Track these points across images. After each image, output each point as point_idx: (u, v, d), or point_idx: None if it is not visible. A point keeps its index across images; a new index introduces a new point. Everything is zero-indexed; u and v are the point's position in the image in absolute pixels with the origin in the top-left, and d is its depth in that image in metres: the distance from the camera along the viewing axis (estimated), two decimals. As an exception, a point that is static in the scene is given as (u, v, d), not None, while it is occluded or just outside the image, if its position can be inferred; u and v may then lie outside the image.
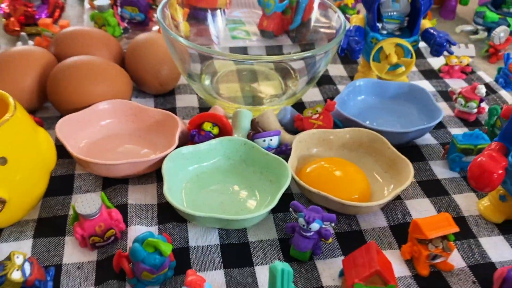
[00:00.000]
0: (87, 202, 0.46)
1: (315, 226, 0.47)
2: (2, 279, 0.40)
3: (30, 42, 0.73)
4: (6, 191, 0.45)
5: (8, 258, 0.42)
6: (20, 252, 0.42)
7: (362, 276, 0.44)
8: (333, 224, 0.48)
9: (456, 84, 0.77)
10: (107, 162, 0.52)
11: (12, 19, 0.78)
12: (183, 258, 0.48)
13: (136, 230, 0.50)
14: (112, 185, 0.55)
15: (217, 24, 0.79)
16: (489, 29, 0.88)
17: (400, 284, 0.48)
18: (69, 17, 0.88)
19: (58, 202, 0.53)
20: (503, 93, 0.75)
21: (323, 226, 0.48)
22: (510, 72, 0.77)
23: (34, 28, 0.80)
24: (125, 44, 0.79)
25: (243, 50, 0.79)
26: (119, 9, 0.80)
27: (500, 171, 0.49)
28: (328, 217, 0.47)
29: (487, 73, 0.81)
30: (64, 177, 0.56)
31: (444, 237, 0.49)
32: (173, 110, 0.68)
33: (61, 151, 0.55)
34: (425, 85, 0.77)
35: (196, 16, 0.79)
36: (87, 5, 0.88)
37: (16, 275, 0.41)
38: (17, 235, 0.49)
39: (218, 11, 0.80)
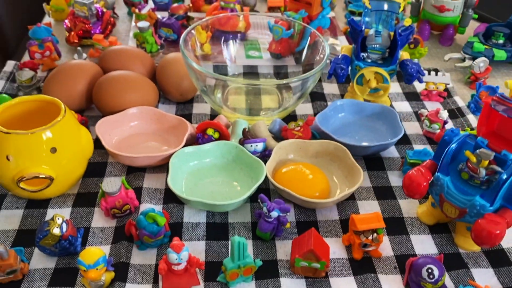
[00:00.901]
0: (111, 183, 0.64)
1: (274, 214, 0.63)
2: (46, 233, 0.59)
3: (84, 55, 0.92)
4: (54, 171, 0.63)
5: (52, 218, 0.60)
6: (60, 215, 0.60)
7: (301, 252, 0.59)
8: (288, 213, 0.64)
9: (433, 107, 0.90)
10: (129, 155, 0.70)
11: (72, 33, 0.98)
12: (177, 230, 0.65)
13: (146, 207, 0.67)
14: (133, 172, 0.73)
15: (235, 45, 0.96)
16: (474, 59, 1.00)
17: (337, 263, 0.63)
18: (119, 31, 1.07)
19: (93, 182, 0.72)
20: (470, 117, 0.87)
21: (281, 214, 0.63)
22: (480, 99, 0.89)
23: (89, 40, 1.00)
24: (161, 58, 0.97)
25: (255, 68, 0.95)
26: (158, 30, 0.99)
27: (425, 183, 0.63)
28: (284, 208, 0.63)
29: (465, 98, 0.94)
30: (99, 164, 0.74)
31: (374, 231, 0.63)
32: (190, 115, 0.85)
33: (99, 144, 0.74)
34: (405, 105, 0.91)
35: (219, 37, 0.96)
36: (133, 23, 1.06)
37: (56, 231, 0.59)
38: (60, 204, 0.68)
39: (238, 34, 0.97)
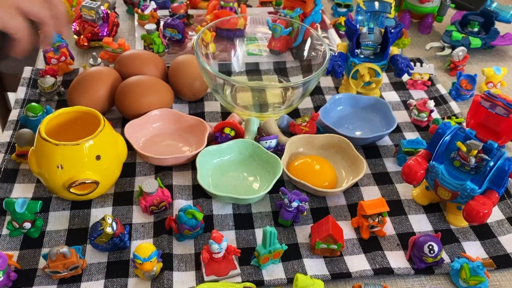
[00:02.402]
0: (149, 184, 0.72)
1: (294, 204, 0.72)
2: (101, 232, 0.67)
3: (99, 60, 0.98)
4: (98, 176, 0.71)
5: (103, 218, 0.68)
6: (110, 215, 0.68)
7: (321, 237, 0.69)
8: (306, 203, 0.73)
9: (418, 95, 1.01)
10: (159, 157, 0.78)
11: (82, 36, 1.03)
12: (208, 222, 0.74)
13: (178, 203, 0.76)
14: (161, 171, 0.81)
15: (236, 42, 1.04)
16: (453, 47, 1.10)
17: (349, 243, 0.73)
18: (122, 30, 1.13)
19: (126, 182, 0.80)
20: (452, 104, 0.98)
21: (300, 204, 0.73)
22: (461, 87, 1.00)
23: (97, 42, 1.05)
24: (167, 57, 1.04)
25: (256, 64, 1.03)
26: (162, 30, 1.05)
27: (422, 171, 0.74)
28: (303, 198, 0.73)
29: (445, 84, 1.05)
30: (129, 164, 0.82)
31: (380, 214, 0.74)
32: (202, 113, 0.93)
33: (127, 146, 0.81)
34: (393, 95, 1.01)
35: (222, 35, 1.03)
36: (136, 23, 1.12)
37: (109, 230, 0.67)
38: (102, 204, 0.76)
39: (237, 31, 1.05)
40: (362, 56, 0.95)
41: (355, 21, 0.94)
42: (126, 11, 1.19)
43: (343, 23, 1.15)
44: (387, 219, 0.77)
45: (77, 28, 1.05)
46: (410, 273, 0.70)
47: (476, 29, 1.13)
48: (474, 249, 0.74)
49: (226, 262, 0.68)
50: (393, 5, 0.92)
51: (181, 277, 0.67)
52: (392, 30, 0.92)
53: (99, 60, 0.96)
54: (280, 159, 0.79)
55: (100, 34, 1.04)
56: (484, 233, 0.76)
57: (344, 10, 1.22)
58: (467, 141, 0.71)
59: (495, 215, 0.78)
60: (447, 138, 0.73)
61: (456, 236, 0.75)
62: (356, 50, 0.94)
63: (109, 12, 1.07)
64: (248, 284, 0.64)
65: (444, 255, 0.72)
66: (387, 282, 0.69)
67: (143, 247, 0.64)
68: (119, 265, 0.68)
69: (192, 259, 0.70)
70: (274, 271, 0.69)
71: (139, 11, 1.09)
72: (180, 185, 0.79)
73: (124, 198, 0.77)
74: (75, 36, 1.06)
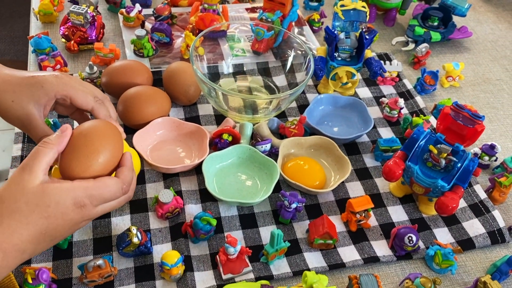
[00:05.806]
0: (165, 195, 0.81)
1: (293, 205, 0.83)
2: (129, 242, 0.75)
3: (95, 68, 1.02)
4: (120, 190, 0.79)
5: (129, 230, 0.76)
6: (135, 226, 0.77)
7: (319, 234, 0.81)
8: (303, 204, 0.84)
9: (388, 90, 1.12)
10: (169, 167, 0.86)
11: (72, 42, 1.07)
12: (218, 224, 0.84)
13: (189, 207, 0.85)
14: (169, 177, 0.89)
15: (222, 44, 1.10)
16: (416, 41, 1.22)
17: (340, 235, 0.85)
18: (107, 31, 1.16)
19: (138, 189, 0.87)
20: (418, 98, 1.09)
21: (298, 205, 0.84)
22: (425, 82, 1.12)
23: (86, 46, 1.09)
24: (157, 60, 1.09)
25: (241, 65, 1.10)
26: (150, 34, 1.10)
27: (400, 171, 0.86)
28: (300, 200, 0.83)
29: (410, 78, 1.16)
30: (139, 172, 0.90)
31: (365, 210, 0.85)
32: (198, 117, 1.00)
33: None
34: (366, 91, 1.11)
35: (205, 36, 1.09)
36: (121, 24, 1.16)
37: (135, 240, 0.76)
38: (120, 213, 0.84)
39: (221, 32, 1.11)
40: (339, 58, 1.04)
41: (333, 27, 1.03)
42: (108, 9, 1.22)
43: (316, 19, 1.23)
44: (371, 212, 0.89)
45: (66, 33, 1.08)
46: (393, 260, 0.83)
47: (436, 24, 1.24)
48: (443, 235, 0.87)
49: (240, 261, 0.78)
50: (367, 13, 1.01)
51: (202, 276, 0.77)
52: (368, 36, 1.01)
53: (95, 68, 1.01)
54: (275, 161, 0.89)
55: (89, 38, 1.08)
56: (450, 220, 0.89)
57: (315, 4, 1.30)
58: (438, 145, 0.83)
59: (460, 203, 0.91)
60: (421, 143, 0.85)
61: (428, 224, 0.88)
62: (335, 54, 1.04)
63: (95, 15, 1.10)
64: (263, 281, 0.75)
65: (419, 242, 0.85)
66: (374, 268, 0.82)
67: (170, 255, 0.74)
68: (145, 270, 0.77)
69: (208, 259, 0.80)
70: (280, 266, 0.80)
71: (125, 12, 1.13)
72: (189, 190, 0.88)
73: (139, 206, 0.85)
74: (63, 40, 1.09)
